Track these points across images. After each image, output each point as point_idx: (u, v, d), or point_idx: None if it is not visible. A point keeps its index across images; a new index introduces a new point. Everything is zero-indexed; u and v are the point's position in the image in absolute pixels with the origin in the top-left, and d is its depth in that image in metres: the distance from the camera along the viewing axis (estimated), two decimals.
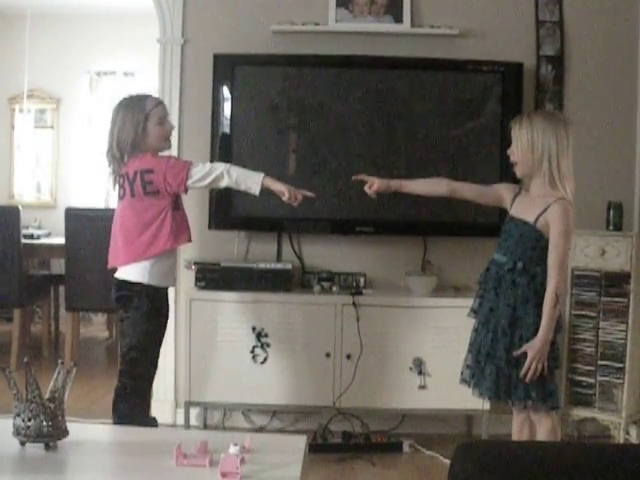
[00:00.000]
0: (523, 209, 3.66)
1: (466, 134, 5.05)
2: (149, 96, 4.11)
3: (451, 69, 5.08)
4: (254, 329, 4.89)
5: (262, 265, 5.00)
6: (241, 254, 5.24)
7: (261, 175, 4.00)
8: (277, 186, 4.03)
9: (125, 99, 4.08)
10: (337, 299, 4.91)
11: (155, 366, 4.11)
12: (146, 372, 4.07)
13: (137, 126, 3.96)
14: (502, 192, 3.82)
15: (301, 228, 5.19)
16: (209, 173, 3.97)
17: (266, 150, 5.11)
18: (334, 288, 5.05)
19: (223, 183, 4.01)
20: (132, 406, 4.02)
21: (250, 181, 3.99)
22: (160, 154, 4.11)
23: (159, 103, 4.12)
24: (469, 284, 4.93)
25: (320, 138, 5.12)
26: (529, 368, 3.50)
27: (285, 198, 4.04)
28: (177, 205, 4.07)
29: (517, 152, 3.66)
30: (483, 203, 3.99)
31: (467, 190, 3.92)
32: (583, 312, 4.85)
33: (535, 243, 3.59)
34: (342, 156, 5.07)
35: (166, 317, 4.12)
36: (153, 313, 4.03)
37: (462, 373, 3.82)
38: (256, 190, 4.00)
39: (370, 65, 5.09)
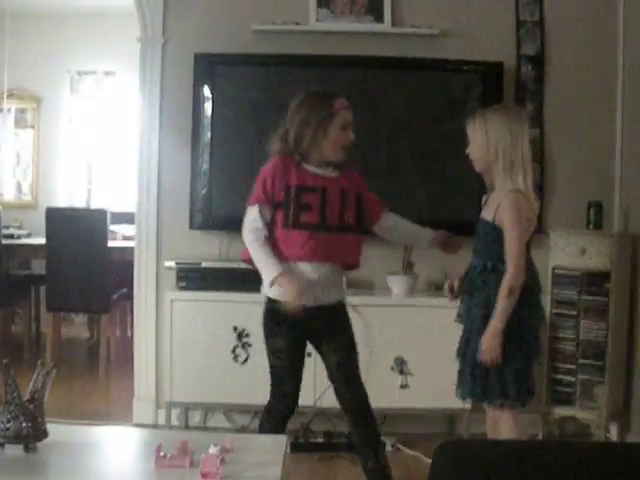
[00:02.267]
0: (486, 209, 3.68)
1: (447, 133, 5.00)
2: (337, 96, 3.76)
3: (432, 69, 5.10)
4: (235, 329, 4.88)
5: (243, 265, 4.71)
6: (223, 254, 5.19)
7: (275, 274, 3.64)
8: (288, 287, 3.63)
9: (312, 93, 3.79)
10: None
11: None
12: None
13: (319, 125, 3.65)
14: None
15: None
16: (246, 229, 3.74)
17: (247, 150, 5.05)
18: None
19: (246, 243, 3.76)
20: (261, 423, 3.94)
21: (265, 271, 3.69)
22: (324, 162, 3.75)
23: (347, 107, 3.75)
24: None
25: None
26: (484, 360, 3.50)
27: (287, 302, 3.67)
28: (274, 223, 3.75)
29: (473, 150, 3.67)
30: None
31: None
32: (564, 311, 4.86)
33: (498, 241, 3.57)
34: None
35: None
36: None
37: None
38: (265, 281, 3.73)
39: (351, 64, 5.11)
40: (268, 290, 3.73)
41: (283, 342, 3.78)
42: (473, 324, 3.62)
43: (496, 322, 3.47)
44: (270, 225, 3.71)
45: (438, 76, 5.11)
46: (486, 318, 3.54)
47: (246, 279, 4.74)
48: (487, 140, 3.58)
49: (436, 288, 5.14)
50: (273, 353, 3.83)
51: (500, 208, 3.54)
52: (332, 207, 3.69)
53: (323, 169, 3.73)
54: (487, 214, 3.63)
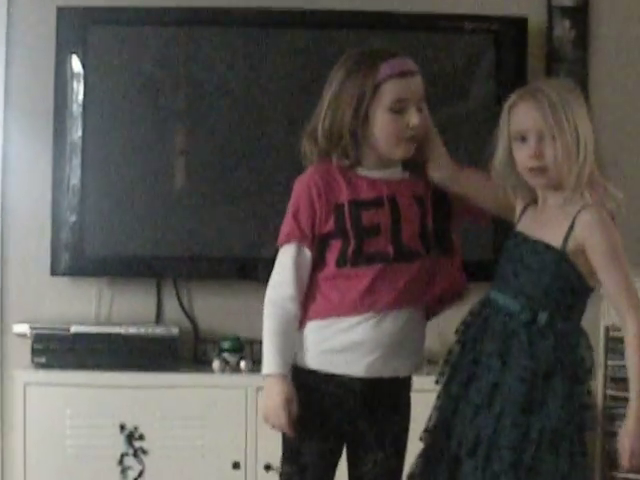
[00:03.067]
0: (540, 226, 3.04)
1: (446, 120, 4.28)
2: (389, 56, 2.93)
3: (422, 28, 4.61)
4: (123, 428, 4.34)
5: (134, 330, 4.50)
6: (103, 313, 4.69)
7: (276, 370, 3.09)
8: (272, 398, 3.09)
9: (353, 54, 3.03)
10: (248, 380, 4.36)
11: None
12: None
13: (358, 105, 2.93)
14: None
15: (192, 272, 4.66)
16: (271, 292, 3.10)
17: (138, 150, 4.55)
18: (243, 363, 4.51)
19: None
20: None
21: (267, 358, 3.13)
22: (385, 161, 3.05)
23: (403, 72, 2.94)
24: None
25: (221, 132, 4.55)
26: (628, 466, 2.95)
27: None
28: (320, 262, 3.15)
29: (560, 153, 2.91)
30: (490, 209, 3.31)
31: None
32: (624, 393, 4.08)
33: (565, 281, 2.95)
34: (255, 159, 4.54)
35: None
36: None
37: (411, 466, 3.16)
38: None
39: (303, 24, 4.63)
40: (307, 358, 3.11)
41: (315, 445, 3.08)
42: (504, 404, 2.95)
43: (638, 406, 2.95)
44: (313, 266, 3.12)
45: (432, 39, 4.60)
46: (527, 403, 2.95)
47: (139, 351, 4.50)
48: (578, 139, 2.92)
49: (430, 362, 4.25)
50: (293, 459, 3.11)
51: (579, 231, 2.92)
52: (409, 223, 3.01)
53: (385, 169, 3.02)
54: (548, 235, 2.97)
